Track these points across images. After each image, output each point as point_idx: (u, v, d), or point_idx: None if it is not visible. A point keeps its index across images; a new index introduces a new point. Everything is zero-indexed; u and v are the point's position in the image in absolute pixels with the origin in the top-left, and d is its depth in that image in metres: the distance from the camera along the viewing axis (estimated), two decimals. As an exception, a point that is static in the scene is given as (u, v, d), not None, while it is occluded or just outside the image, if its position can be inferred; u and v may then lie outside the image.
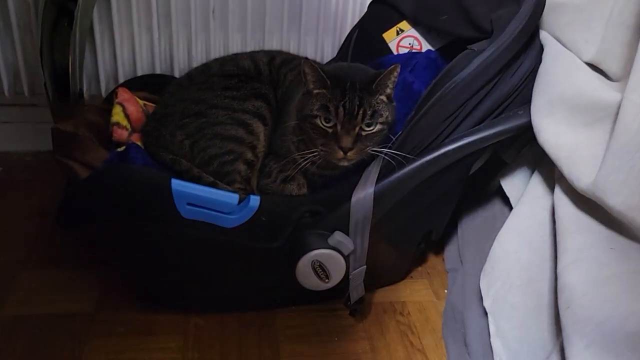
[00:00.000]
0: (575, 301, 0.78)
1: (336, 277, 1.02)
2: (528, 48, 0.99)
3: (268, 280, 1.12)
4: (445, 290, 1.30)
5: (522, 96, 1.00)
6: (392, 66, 0.99)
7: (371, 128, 0.99)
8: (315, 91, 1.00)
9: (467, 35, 1.14)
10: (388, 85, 1.00)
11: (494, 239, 1.16)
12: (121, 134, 1.16)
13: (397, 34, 1.34)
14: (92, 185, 0.99)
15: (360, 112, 0.97)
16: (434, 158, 0.98)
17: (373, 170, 1.01)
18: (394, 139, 1.01)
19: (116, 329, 1.13)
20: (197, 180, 1.05)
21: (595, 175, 0.78)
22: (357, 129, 0.98)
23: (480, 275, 1.15)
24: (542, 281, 0.96)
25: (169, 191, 0.96)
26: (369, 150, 1.00)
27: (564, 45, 1.02)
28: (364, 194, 0.99)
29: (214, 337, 1.13)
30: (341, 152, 0.98)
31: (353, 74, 1.01)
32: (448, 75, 0.97)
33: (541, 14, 0.99)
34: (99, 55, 1.45)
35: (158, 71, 1.49)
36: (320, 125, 0.99)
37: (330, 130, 0.98)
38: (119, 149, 1.12)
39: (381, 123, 0.99)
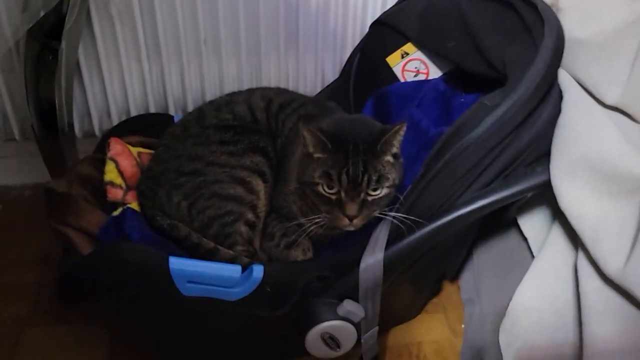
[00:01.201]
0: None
1: (347, 345, 0.97)
2: (547, 96, 0.90)
3: (277, 338, 1.08)
4: (462, 326, 1.26)
5: (540, 149, 0.92)
6: (398, 125, 0.92)
7: (377, 192, 0.92)
8: (316, 155, 0.93)
9: (477, 70, 1.06)
10: (394, 145, 0.93)
11: (511, 275, 1.11)
12: (116, 194, 1.11)
13: (402, 57, 1.25)
14: (86, 267, 0.94)
15: (365, 178, 0.90)
16: (446, 222, 0.92)
17: (381, 235, 0.94)
18: (401, 199, 0.94)
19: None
20: (196, 247, 1.00)
21: (624, 264, 0.71)
22: (363, 195, 0.91)
23: (498, 315, 1.11)
24: (566, 345, 0.91)
25: (167, 271, 0.91)
26: (376, 214, 0.94)
27: (584, 86, 0.93)
28: (373, 260, 0.93)
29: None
30: (346, 220, 0.92)
31: (356, 133, 0.94)
32: (458, 134, 0.89)
33: (561, 58, 0.90)
34: (88, 91, 1.38)
35: (151, 104, 1.42)
36: (323, 192, 0.92)
37: (333, 197, 0.92)
38: (114, 213, 1.07)
39: (388, 187, 0.93)
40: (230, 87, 1.43)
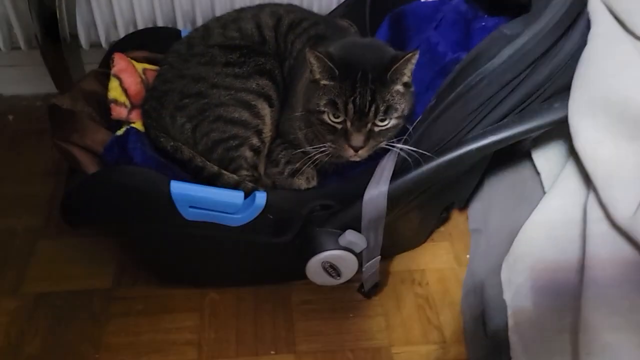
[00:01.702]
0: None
1: (348, 274, 0.98)
2: (572, 27, 0.83)
3: (280, 260, 1.09)
4: (467, 256, 1.26)
5: (560, 82, 0.86)
6: (410, 53, 0.86)
7: (385, 123, 0.88)
8: (323, 82, 0.89)
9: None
10: (405, 74, 0.88)
11: (521, 208, 1.09)
12: (120, 112, 1.09)
13: (424, -27, 1.16)
14: (90, 189, 0.95)
15: (373, 108, 0.86)
16: (455, 157, 0.88)
17: (387, 166, 0.92)
18: (410, 129, 0.91)
19: (134, 306, 1.14)
20: (200, 170, 0.99)
21: (634, 212, 0.68)
22: (369, 125, 0.88)
23: (503, 247, 1.10)
24: (567, 287, 0.90)
25: (169, 196, 0.91)
26: (383, 145, 0.91)
27: (616, 15, 0.86)
28: (377, 192, 0.92)
29: (229, 314, 1.13)
30: (352, 150, 0.89)
31: (365, 59, 0.88)
32: (473, 65, 0.84)
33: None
34: (92, 1, 1.32)
35: (159, 16, 1.36)
36: (328, 121, 0.89)
37: (339, 127, 0.89)
38: (118, 132, 1.05)
39: (396, 117, 0.89)
40: (240, 0, 1.36)
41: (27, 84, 1.61)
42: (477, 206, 1.33)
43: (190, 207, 0.93)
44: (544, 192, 1.05)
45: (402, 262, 1.24)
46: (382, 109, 0.87)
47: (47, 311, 1.13)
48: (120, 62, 1.13)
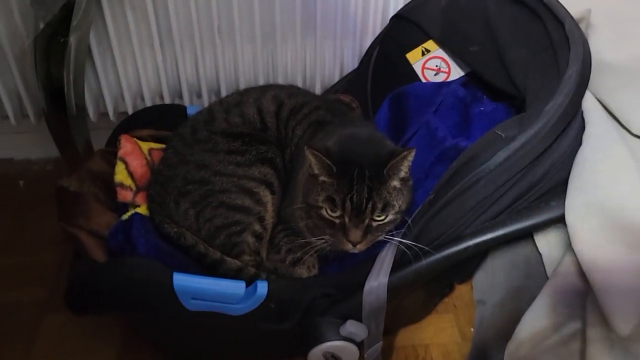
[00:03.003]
0: None
1: (349, 363, 0.98)
2: (567, 128, 0.84)
3: (283, 342, 1.09)
4: (472, 329, 1.25)
5: (556, 179, 0.87)
6: (407, 151, 0.88)
7: (382, 219, 0.90)
8: (321, 178, 0.90)
9: (497, 83, 1.00)
10: (401, 170, 0.90)
11: (525, 285, 1.09)
12: (125, 195, 1.11)
13: (423, 54, 1.19)
14: (93, 281, 0.96)
15: (370, 205, 0.88)
16: (453, 253, 0.90)
17: (387, 258, 0.93)
18: (409, 222, 0.92)
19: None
20: (203, 257, 1.00)
21: (632, 327, 0.68)
22: (367, 221, 0.89)
23: (507, 323, 1.10)
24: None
25: (171, 288, 0.92)
26: (381, 238, 0.92)
27: (610, 111, 0.87)
28: (377, 284, 0.92)
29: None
30: (350, 245, 0.90)
31: (363, 155, 0.90)
32: (470, 165, 0.85)
33: (585, 90, 0.83)
34: (100, 76, 1.36)
35: (165, 90, 1.40)
36: (327, 216, 0.90)
37: (337, 222, 0.90)
38: (123, 217, 1.07)
39: (394, 213, 0.90)
40: (245, 74, 1.39)
41: (38, 148, 1.64)
42: (481, 277, 1.33)
43: (193, 298, 0.94)
44: (546, 275, 1.05)
45: (405, 337, 1.23)
46: (379, 206, 0.88)
47: (51, 391, 1.13)
48: (126, 145, 1.15)
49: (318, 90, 1.43)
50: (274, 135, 1.08)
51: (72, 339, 1.21)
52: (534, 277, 1.09)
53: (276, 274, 1.02)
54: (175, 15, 1.28)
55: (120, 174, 1.12)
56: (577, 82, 0.81)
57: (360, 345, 0.98)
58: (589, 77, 0.83)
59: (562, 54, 0.84)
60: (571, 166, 0.85)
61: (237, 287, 0.94)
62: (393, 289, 0.93)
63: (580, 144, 0.85)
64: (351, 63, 1.41)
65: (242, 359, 1.16)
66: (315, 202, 0.90)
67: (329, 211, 0.90)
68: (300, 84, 1.43)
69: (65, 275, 1.00)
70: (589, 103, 0.86)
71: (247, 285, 0.96)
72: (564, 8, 0.89)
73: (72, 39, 1.20)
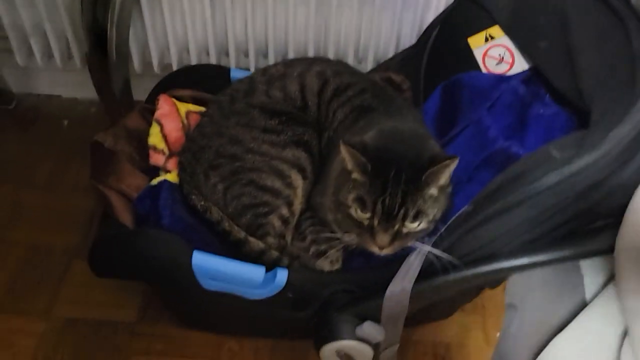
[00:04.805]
0: None
1: (363, 362, 0.96)
2: (633, 156, 0.75)
3: (297, 324, 1.07)
4: (498, 334, 1.20)
5: (611, 207, 0.78)
6: (449, 159, 0.81)
7: (414, 226, 0.84)
8: (354, 175, 0.85)
9: (562, 89, 0.91)
10: (441, 178, 0.83)
11: (561, 298, 1.03)
12: (157, 159, 1.09)
13: (486, 40, 1.09)
14: (115, 247, 0.96)
15: (402, 211, 0.82)
16: (485, 272, 0.84)
17: (414, 265, 0.87)
18: (442, 230, 0.86)
19: (154, 346, 1.16)
20: (227, 234, 0.98)
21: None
22: (397, 226, 0.83)
23: (536, 335, 1.04)
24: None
25: (189, 267, 0.91)
26: (410, 245, 0.87)
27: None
28: (400, 289, 0.88)
29: (245, 367, 1.14)
30: (376, 248, 0.85)
31: (402, 155, 0.83)
32: (516, 183, 0.77)
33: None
34: (147, 25, 1.33)
35: (211, 46, 1.35)
36: (355, 216, 0.85)
37: (366, 223, 0.85)
38: (153, 182, 1.06)
39: (427, 222, 0.84)
40: (295, 38, 1.32)
41: (85, 88, 1.62)
42: (515, 279, 1.26)
43: (211, 278, 0.92)
44: (584, 297, 0.98)
45: (427, 331, 1.20)
46: (411, 213, 0.82)
47: (73, 339, 1.16)
48: (164, 106, 1.12)
49: (370, 64, 1.36)
50: (313, 115, 1.03)
51: (97, 289, 1.24)
52: (571, 293, 1.02)
53: (299, 260, 0.99)
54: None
55: (155, 137, 1.10)
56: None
57: (376, 345, 0.95)
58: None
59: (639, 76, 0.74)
60: (630, 198, 0.76)
61: (256, 272, 0.92)
62: (416, 297, 0.88)
63: (642, 178, 0.76)
64: (409, 38, 1.32)
65: (258, 334, 1.15)
66: (345, 200, 0.85)
67: (358, 211, 0.85)
68: (351, 55, 1.36)
69: (94, 230, 1.00)
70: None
71: (267, 270, 0.93)
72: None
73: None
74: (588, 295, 0.98)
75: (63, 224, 1.36)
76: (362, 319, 0.93)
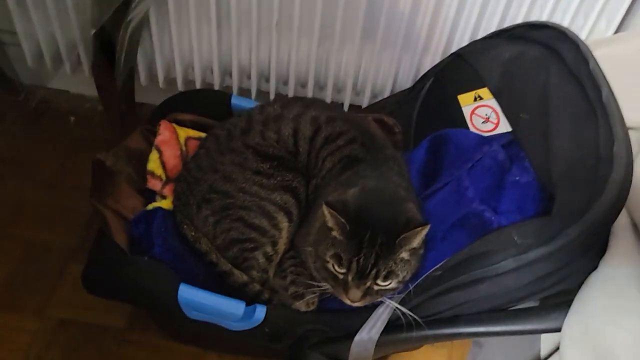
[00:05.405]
0: None
1: (331, 398, 1.03)
2: (588, 250, 0.82)
3: (276, 349, 1.15)
4: (461, 369, 1.29)
5: (562, 287, 0.85)
6: (421, 227, 0.87)
7: (385, 284, 0.91)
8: (333, 233, 0.91)
9: (534, 163, 0.97)
10: (414, 242, 0.90)
11: (521, 345, 1.10)
12: (154, 184, 1.15)
13: (475, 100, 1.14)
14: (107, 271, 1.02)
15: (374, 271, 0.89)
16: (446, 334, 0.91)
17: (382, 317, 0.95)
18: (411, 288, 0.93)
19: (140, 353, 1.25)
20: (214, 265, 1.05)
21: None
22: (369, 284, 0.90)
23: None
24: None
25: (175, 298, 0.98)
26: (380, 300, 0.94)
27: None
28: (367, 338, 0.96)
29: (226, 380, 1.22)
30: (348, 300, 0.92)
31: (379, 217, 0.90)
32: (479, 261, 0.84)
33: (616, 217, 0.79)
34: (155, 43, 1.37)
35: (215, 66, 1.40)
36: (332, 269, 0.92)
37: (341, 277, 0.92)
38: (148, 207, 1.12)
39: (397, 282, 0.91)
40: (296, 68, 1.37)
41: (92, 86, 1.67)
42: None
43: (194, 310, 0.99)
44: (539, 354, 1.05)
45: (394, 361, 1.28)
46: (383, 273, 0.89)
47: (64, 340, 1.24)
48: (164, 132, 1.18)
49: (367, 97, 1.41)
50: (303, 161, 1.09)
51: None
52: (530, 342, 1.09)
53: (278, 295, 1.06)
54: (237, 2, 1.26)
55: (153, 163, 1.16)
56: (605, 213, 0.77)
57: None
58: (624, 203, 0.78)
59: (603, 172, 0.79)
60: (580, 286, 0.83)
61: (237, 307, 0.99)
62: (381, 347, 0.96)
63: (595, 267, 0.82)
64: (406, 77, 1.37)
65: (238, 353, 1.23)
66: (324, 255, 0.92)
67: (335, 267, 0.92)
68: (349, 87, 1.40)
69: (88, 249, 1.07)
70: (619, 224, 0.83)
71: (248, 303, 1.00)
72: (621, 119, 0.82)
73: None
74: (543, 352, 1.06)
75: (63, 223, 1.43)
76: (332, 359, 1.01)
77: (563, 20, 1.25)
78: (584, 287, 0.82)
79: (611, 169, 0.79)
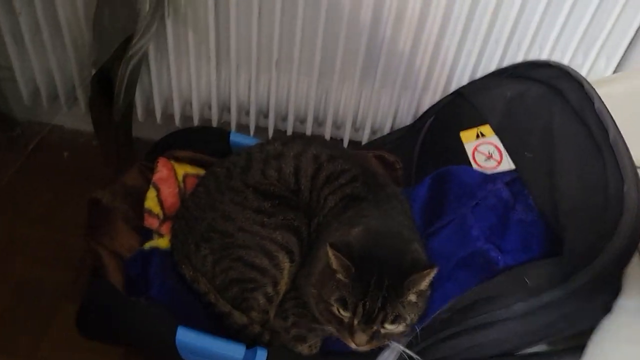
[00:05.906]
0: None
1: None
2: (600, 292, 0.80)
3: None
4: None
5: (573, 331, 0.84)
6: (429, 269, 0.86)
7: (392, 328, 0.89)
8: (338, 276, 0.89)
9: (539, 204, 0.96)
10: (420, 285, 0.88)
11: None
12: (152, 223, 1.13)
13: (477, 137, 1.14)
14: (102, 314, 0.99)
15: (381, 315, 0.86)
16: (452, 380, 0.88)
17: (387, 361, 0.92)
18: (418, 331, 0.90)
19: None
20: (212, 306, 1.02)
21: None
22: (376, 327, 0.88)
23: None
24: None
25: (173, 341, 0.94)
26: (386, 344, 0.91)
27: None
28: (372, 382, 0.93)
29: None
30: (354, 345, 0.90)
31: (384, 259, 0.88)
32: (488, 305, 0.83)
33: (629, 260, 0.78)
34: (153, 78, 1.36)
35: (214, 102, 1.39)
36: (337, 313, 0.90)
37: (346, 321, 0.89)
38: (145, 246, 1.10)
39: (404, 326, 0.89)
40: (295, 105, 1.37)
41: (87, 121, 1.66)
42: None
43: (192, 353, 0.96)
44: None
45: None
46: (390, 317, 0.87)
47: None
48: (162, 170, 1.16)
49: (367, 134, 1.40)
50: (305, 200, 1.07)
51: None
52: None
53: (279, 337, 1.03)
54: (236, 41, 1.26)
55: (151, 201, 1.14)
56: (617, 256, 0.76)
57: None
58: (635, 250, 0.77)
59: (613, 213, 0.79)
60: (592, 329, 0.81)
61: (236, 350, 0.96)
62: (386, 392, 0.92)
63: (608, 310, 0.81)
64: (405, 115, 1.36)
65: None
66: (328, 298, 0.90)
67: (340, 310, 0.89)
68: (349, 124, 1.40)
69: (82, 289, 1.04)
70: (632, 268, 0.81)
71: (248, 346, 0.97)
72: (630, 159, 0.82)
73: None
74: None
75: (56, 260, 1.39)
76: (331, 403, 0.97)
77: (562, 58, 1.25)
78: (599, 331, 0.80)
79: (622, 210, 0.78)
